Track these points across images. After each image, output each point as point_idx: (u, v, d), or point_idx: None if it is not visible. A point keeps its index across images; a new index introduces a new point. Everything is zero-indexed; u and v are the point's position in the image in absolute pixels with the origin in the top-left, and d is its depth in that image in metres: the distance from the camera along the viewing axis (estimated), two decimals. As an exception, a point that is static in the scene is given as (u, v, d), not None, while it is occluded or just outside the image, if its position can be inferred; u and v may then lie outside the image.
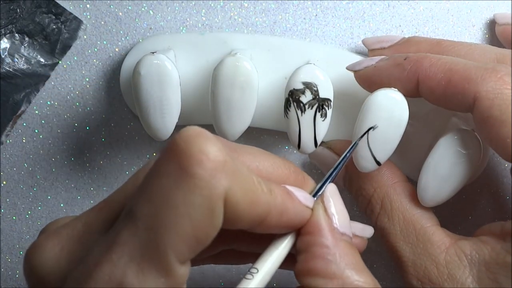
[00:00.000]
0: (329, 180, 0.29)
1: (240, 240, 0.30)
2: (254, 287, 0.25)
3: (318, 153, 0.36)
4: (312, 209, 0.27)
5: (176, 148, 0.22)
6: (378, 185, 0.33)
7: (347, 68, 0.34)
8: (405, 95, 0.32)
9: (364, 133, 0.31)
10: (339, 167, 0.30)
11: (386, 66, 0.32)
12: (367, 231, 0.31)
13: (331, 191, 0.28)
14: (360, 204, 0.35)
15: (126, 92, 0.37)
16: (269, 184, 0.25)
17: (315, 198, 0.28)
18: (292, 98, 0.33)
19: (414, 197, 0.33)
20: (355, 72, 0.33)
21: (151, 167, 0.23)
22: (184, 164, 0.22)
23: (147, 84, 0.33)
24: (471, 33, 0.38)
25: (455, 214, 0.38)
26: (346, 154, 0.31)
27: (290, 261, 0.27)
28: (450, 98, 0.30)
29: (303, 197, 0.27)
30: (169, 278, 0.22)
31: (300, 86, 0.32)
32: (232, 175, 0.23)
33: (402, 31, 0.38)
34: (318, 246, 0.26)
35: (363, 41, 0.36)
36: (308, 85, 0.32)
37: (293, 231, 0.27)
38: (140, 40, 0.38)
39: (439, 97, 0.30)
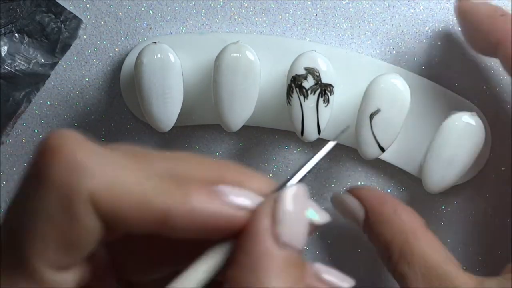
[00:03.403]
0: (296, 178, 0.25)
1: (184, 259, 0.25)
2: None
3: (341, 200, 0.35)
4: (253, 211, 0.23)
5: (38, 147, 0.21)
6: (398, 230, 0.32)
7: None
8: (482, 50, 0.32)
9: (373, 115, 0.31)
10: (313, 163, 0.26)
11: (482, 11, 0.32)
12: (345, 281, 0.26)
13: (292, 193, 0.23)
14: (378, 250, 0.34)
15: (126, 93, 0.37)
16: (178, 182, 0.22)
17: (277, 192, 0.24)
18: (295, 83, 0.33)
19: (434, 242, 0.32)
20: None
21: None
22: (41, 163, 0.21)
23: (150, 73, 0.33)
24: (471, 33, 0.38)
25: (455, 213, 0.38)
26: (325, 148, 0.27)
27: None
28: None
29: (238, 197, 0.23)
30: (40, 285, 0.21)
31: (302, 72, 0.33)
32: (100, 174, 0.21)
33: (402, 31, 0.38)
34: (244, 252, 0.22)
35: None
36: (310, 71, 0.32)
37: (231, 240, 0.23)
38: (140, 41, 0.38)
39: None
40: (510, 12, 0.32)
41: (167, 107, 0.34)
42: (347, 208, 0.35)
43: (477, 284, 0.30)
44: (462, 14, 0.33)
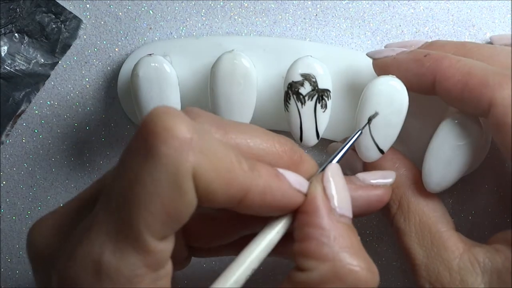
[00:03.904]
0: (333, 160, 0.29)
1: (254, 223, 0.29)
2: (237, 276, 0.25)
3: (336, 149, 0.36)
4: (305, 194, 0.27)
5: (143, 126, 0.23)
6: (396, 185, 0.33)
7: (367, 55, 0.33)
8: (420, 92, 0.32)
9: (371, 118, 0.31)
10: (345, 149, 0.30)
11: (405, 59, 0.32)
12: (389, 176, 0.31)
13: (333, 171, 0.28)
14: None
15: (123, 100, 0.37)
16: (254, 164, 0.25)
17: (317, 173, 0.28)
18: (292, 90, 0.33)
19: (432, 200, 0.33)
20: (374, 60, 0.33)
21: (126, 146, 0.24)
22: (149, 142, 0.22)
23: (146, 85, 0.33)
24: (471, 33, 0.38)
25: (455, 213, 0.38)
26: (353, 136, 0.31)
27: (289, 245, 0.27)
28: (466, 101, 0.30)
29: (295, 180, 0.27)
30: (147, 255, 0.23)
31: (298, 78, 0.33)
32: (200, 152, 0.23)
33: (402, 31, 0.38)
34: (313, 227, 0.26)
35: (385, 46, 0.36)
36: (306, 77, 0.32)
37: (288, 215, 0.27)
38: (142, 41, 0.38)
39: (455, 99, 0.30)
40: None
41: None
42: (344, 159, 0.36)
43: (466, 248, 0.31)
44: (384, 69, 0.33)
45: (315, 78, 0.33)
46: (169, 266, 0.24)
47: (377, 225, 0.39)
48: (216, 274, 0.39)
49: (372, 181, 0.31)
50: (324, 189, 0.27)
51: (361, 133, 0.32)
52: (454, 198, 0.38)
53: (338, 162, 0.29)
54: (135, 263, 0.23)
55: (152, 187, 0.22)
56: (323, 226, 0.26)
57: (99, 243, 0.23)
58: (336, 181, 0.27)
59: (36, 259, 0.26)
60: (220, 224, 0.30)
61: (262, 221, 0.27)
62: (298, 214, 0.27)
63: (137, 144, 0.23)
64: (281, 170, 0.26)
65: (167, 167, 0.22)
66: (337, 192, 0.27)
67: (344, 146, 0.30)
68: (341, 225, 0.26)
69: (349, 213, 0.27)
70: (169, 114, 0.23)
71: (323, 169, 0.28)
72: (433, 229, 0.32)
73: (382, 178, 0.31)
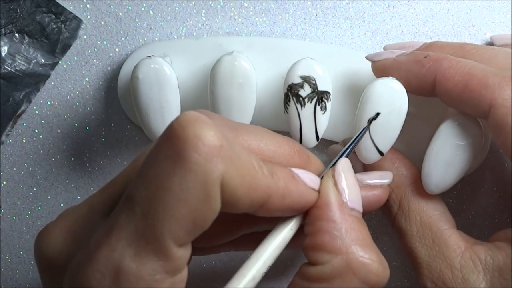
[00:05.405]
0: (343, 155, 0.29)
1: (258, 222, 0.30)
2: (253, 273, 0.25)
3: (335, 150, 0.36)
4: (318, 192, 0.27)
5: (172, 133, 0.23)
6: (396, 185, 0.33)
7: (366, 58, 0.33)
8: (420, 93, 0.32)
9: (371, 120, 0.31)
10: (354, 144, 0.31)
11: (405, 61, 0.32)
12: (386, 177, 0.32)
13: (343, 165, 0.28)
14: None
15: (123, 101, 0.37)
16: (272, 167, 0.25)
17: (327, 169, 0.28)
18: (291, 92, 0.33)
19: (433, 199, 0.33)
20: (373, 62, 0.33)
21: (150, 151, 0.24)
22: (180, 149, 0.22)
23: (146, 88, 0.33)
24: (471, 33, 0.38)
25: (455, 213, 0.38)
26: (360, 133, 0.31)
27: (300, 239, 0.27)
28: (465, 102, 0.30)
29: (309, 179, 0.27)
30: (167, 261, 0.23)
31: (298, 80, 0.33)
32: (228, 160, 0.23)
33: (402, 31, 0.38)
34: (325, 221, 0.26)
35: (384, 48, 0.36)
36: (306, 79, 0.32)
37: (299, 214, 0.27)
38: (142, 41, 0.38)
39: (455, 100, 0.30)
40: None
41: (165, 121, 0.33)
42: None
43: (467, 246, 0.31)
44: (384, 71, 0.33)
45: (315, 80, 0.33)
46: (185, 272, 0.24)
47: (377, 225, 0.39)
48: (216, 274, 0.39)
49: (370, 182, 0.31)
50: (335, 183, 0.27)
51: (366, 130, 0.32)
52: (454, 198, 0.38)
53: (349, 152, 0.30)
54: (155, 268, 0.23)
55: (180, 194, 0.22)
56: (335, 219, 0.26)
57: (119, 248, 0.23)
58: (346, 175, 0.28)
59: (46, 267, 0.26)
60: (223, 224, 0.30)
61: (265, 219, 0.28)
62: (310, 209, 0.27)
63: (165, 149, 0.23)
64: (295, 170, 0.27)
65: (196, 174, 0.22)
66: (348, 186, 0.28)
67: (352, 142, 0.31)
68: (352, 218, 0.27)
69: (359, 207, 0.28)
70: (198, 121, 0.23)
71: (334, 165, 0.28)
72: (434, 228, 0.32)
73: (379, 179, 0.31)
